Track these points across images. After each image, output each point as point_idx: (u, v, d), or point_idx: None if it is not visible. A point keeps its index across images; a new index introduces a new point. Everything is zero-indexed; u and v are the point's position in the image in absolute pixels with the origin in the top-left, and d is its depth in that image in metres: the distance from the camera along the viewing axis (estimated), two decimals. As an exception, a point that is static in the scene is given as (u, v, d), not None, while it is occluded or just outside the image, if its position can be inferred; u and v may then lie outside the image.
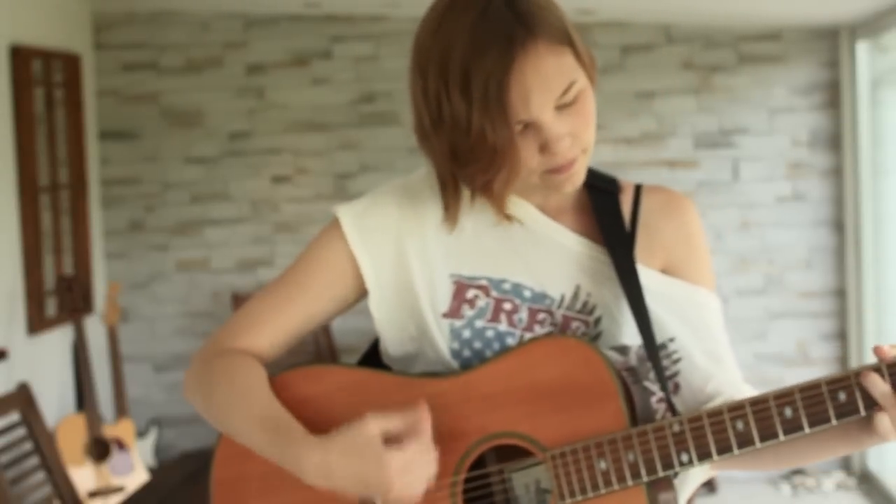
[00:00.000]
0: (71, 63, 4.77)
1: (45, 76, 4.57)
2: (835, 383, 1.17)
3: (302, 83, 5.08)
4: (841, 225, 5.01)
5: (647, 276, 1.32)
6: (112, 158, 5.09)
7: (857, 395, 1.17)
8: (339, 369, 1.33)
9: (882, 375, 1.17)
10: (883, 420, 1.17)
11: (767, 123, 5.03)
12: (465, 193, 1.32)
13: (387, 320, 1.34)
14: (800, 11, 4.74)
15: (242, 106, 5.09)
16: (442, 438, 1.24)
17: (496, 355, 1.28)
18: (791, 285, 5.06)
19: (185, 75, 5.09)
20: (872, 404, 1.17)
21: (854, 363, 4.96)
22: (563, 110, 1.20)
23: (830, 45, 4.97)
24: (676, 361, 1.33)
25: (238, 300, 5.01)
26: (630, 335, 1.32)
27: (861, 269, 4.89)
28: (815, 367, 5.05)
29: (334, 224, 1.35)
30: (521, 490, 1.27)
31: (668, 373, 1.33)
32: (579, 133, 1.22)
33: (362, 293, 1.35)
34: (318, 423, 1.26)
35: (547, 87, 1.17)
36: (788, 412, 1.18)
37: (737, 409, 1.19)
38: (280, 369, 1.33)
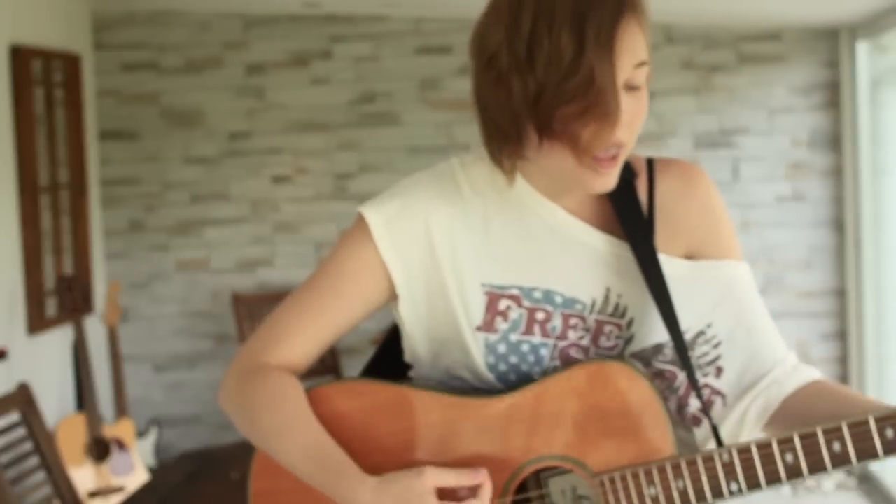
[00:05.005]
0: (71, 63, 4.77)
1: (45, 76, 4.57)
2: (883, 420, 1.17)
3: (302, 83, 5.09)
4: (841, 225, 5.01)
5: (673, 265, 1.31)
6: (112, 158, 5.09)
7: None
8: (377, 385, 1.30)
9: None
10: None
11: (767, 123, 5.03)
12: (488, 194, 1.31)
13: (416, 323, 1.33)
14: (800, 11, 4.73)
15: (242, 106, 5.09)
16: (488, 459, 1.25)
17: (540, 378, 1.27)
18: (791, 285, 5.06)
19: (185, 75, 5.09)
20: None
21: (854, 363, 4.96)
22: (630, 92, 1.22)
23: (830, 45, 4.97)
24: (717, 346, 1.33)
25: (238, 300, 5.01)
26: (662, 332, 1.31)
27: (861, 269, 4.88)
28: (816, 367, 5.04)
29: (361, 226, 1.31)
30: (558, 497, 1.27)
31: (708, 358, 1.33)
32: (633, 122, 1.23)
33: (392, 296, 1.33)
34: (357, 441, 1.26)
35: (633, 52, 1.20)
36: (837, 447, 1.18)
37: (786, 441, 1.20)
38: (310, 380, 1.32)
